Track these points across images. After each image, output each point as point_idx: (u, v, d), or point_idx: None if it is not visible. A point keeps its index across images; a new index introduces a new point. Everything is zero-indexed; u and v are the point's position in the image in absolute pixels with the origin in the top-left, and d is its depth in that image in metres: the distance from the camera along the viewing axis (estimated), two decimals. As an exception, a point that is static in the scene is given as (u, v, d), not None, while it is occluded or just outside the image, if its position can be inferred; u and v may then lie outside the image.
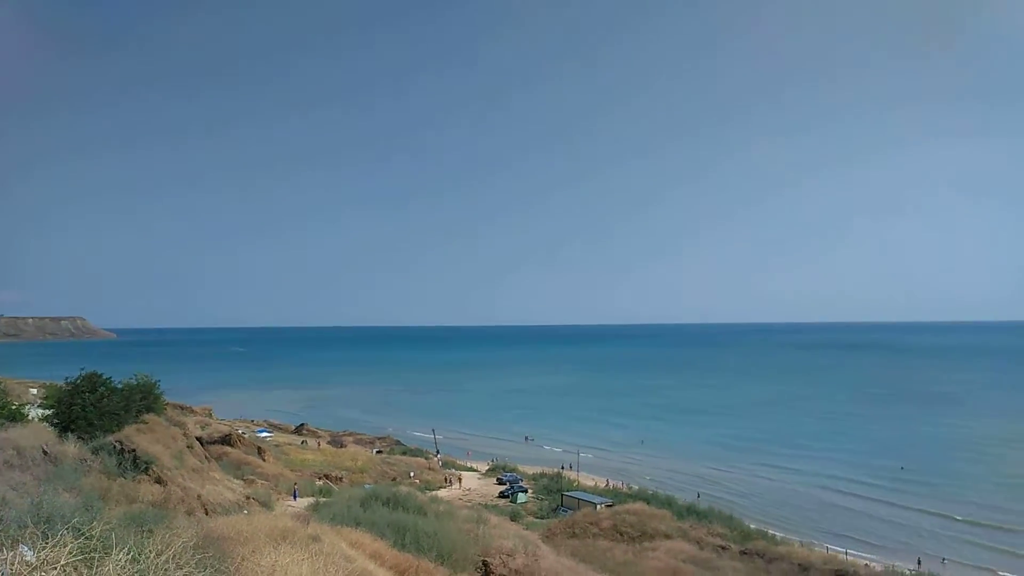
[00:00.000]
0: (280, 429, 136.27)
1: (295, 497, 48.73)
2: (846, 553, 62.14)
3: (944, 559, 67.55)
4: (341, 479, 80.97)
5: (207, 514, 28.14)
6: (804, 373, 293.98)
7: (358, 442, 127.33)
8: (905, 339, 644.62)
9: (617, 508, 61.47)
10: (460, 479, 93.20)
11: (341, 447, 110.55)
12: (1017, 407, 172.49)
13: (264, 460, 79.85)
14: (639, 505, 62.15)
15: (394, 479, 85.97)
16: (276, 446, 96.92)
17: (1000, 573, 64.79)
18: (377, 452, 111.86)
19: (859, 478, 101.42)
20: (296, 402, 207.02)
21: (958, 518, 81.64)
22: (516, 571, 28.59)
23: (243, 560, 12.13)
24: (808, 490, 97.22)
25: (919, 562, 65.90)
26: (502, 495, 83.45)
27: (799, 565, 45.91)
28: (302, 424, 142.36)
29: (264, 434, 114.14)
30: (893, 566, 57.43)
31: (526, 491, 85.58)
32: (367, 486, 51.54)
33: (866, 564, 52.13)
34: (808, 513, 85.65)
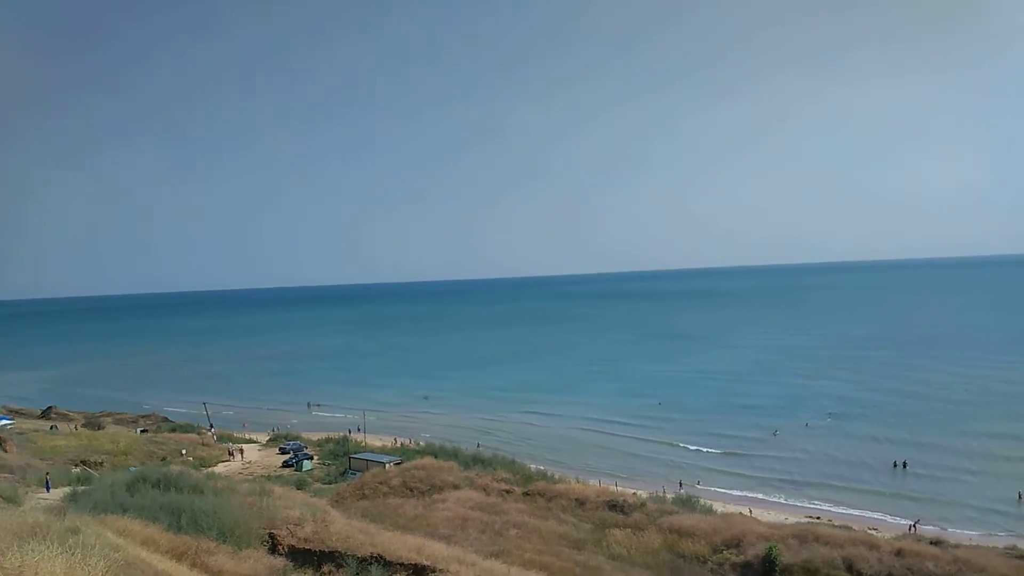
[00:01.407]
0: (23, 415, 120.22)
1: (48, 488, 43.36)
2: (616, 485, 67.82)
3: (698, 482, 76.56)
4: (101, 464, 73.52)
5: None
6: (565, 322, 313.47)
7: (118, 422, 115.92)
8: (661, 286, 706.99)
9: (406, 465, 61.80)
10: (242, 451, 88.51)
11: (99, 429, 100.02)
12: (750, 343, 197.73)
13: (6, 451, 70.36)
14: (427, 460, 62.94)
15: (164, 459, 79.54)
16: (20, 434, 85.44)
17: (735, 492, 74.92)
18: (141, 431, 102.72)
19: (622, 417, 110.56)
20: (40, 383, 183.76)
21: (705, 450, 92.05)
22: (305, 539, 27.67)
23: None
24: (578, 431, 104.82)
25: (680, 484, 74.59)
26: (286, 464, 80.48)
27: (576, 500, 49.29)
28: (50, 407, 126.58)
29: (3, 422, 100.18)
30: (656, 492, 63.73)
31: (311, 458, 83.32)
32: (132, 469, 47.12)
33: (634, 493, 57.08)
34: (580, 452, 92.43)
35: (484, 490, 53.38)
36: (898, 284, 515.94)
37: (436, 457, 68.27)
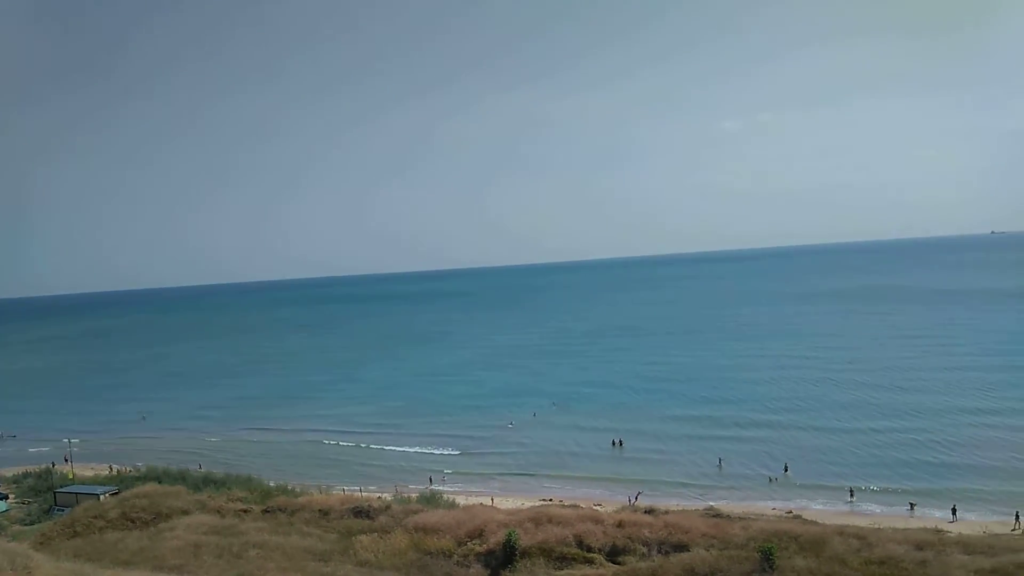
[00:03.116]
0: None
1: None
2: (360, 491, 67.12)
3: (443, 478, 78.50)
4: None
5: None
6: (288, 331, 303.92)
7: None
8: (396, 288, 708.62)
9: (125, 494, 55.77)
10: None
11: None
12: (484, 342, 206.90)
13: None
14: (150, 487, 57.25)
15: None
16: None
17: (477, 483, 77.91)
18: None
19: (362, 423, 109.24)
20: None
21: (447, 445, 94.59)
22: (1, 594, 23.88)
23: None
24: (314, 441, 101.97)
25: (431, 480, 76.92)
26: (-32, 510, 68.37)
27: (320, 511, 48.12)
28: None
29: None
30: (401, 494, 64.19)
31: (5, 497, 71.71)
32: None
33: (379, 497, 57.07)
34: (321, 463, 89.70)
35: (219, 512, 50.04)
36: (616, 281, 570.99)
37: (160, 482, 62.47)
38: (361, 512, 47.43)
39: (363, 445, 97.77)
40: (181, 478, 67.48)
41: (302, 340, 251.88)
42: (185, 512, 49.39)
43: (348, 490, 66.90)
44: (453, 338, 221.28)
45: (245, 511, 50.71)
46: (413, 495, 58.45)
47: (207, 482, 64.40)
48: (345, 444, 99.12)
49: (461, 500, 59.58)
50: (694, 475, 75.16)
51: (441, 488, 71.81)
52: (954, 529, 47.90)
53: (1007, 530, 50.57)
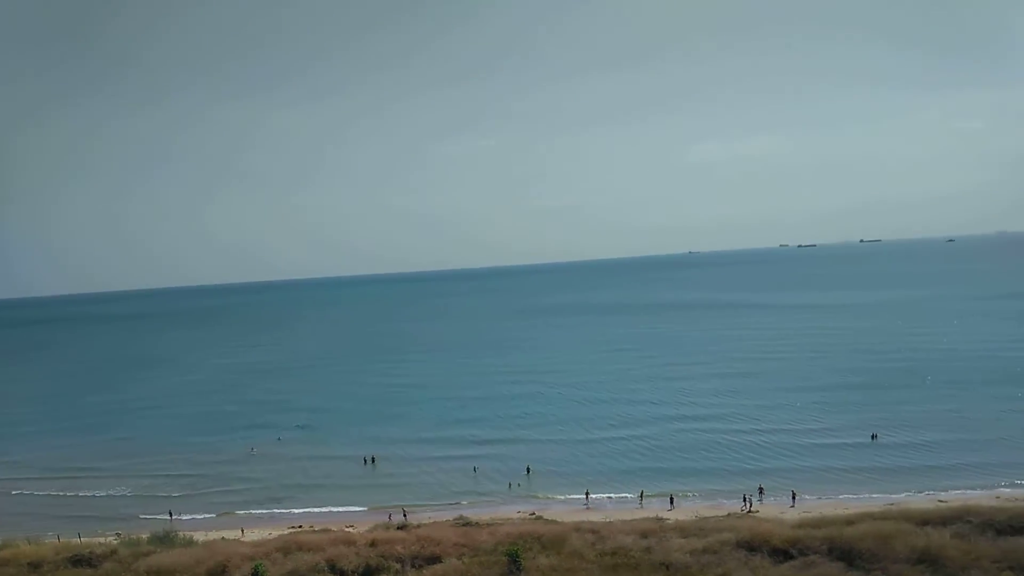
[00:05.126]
0: None
1: None
2: (80, 537, 59.49)
3: (181, 513, 71.97)
4: None
5: None
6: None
7: None
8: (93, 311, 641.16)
9: None
10: None
11: None
12: (210, 363, 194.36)
13: None
14: None
15: None
16: None
17: (219, 515, 73.31)
18: None
19: (64, 465, 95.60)
20: None
21: (182, 477, 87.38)
22: None
23: None
24: (23, 484, 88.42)
25: (170, 515, 71.08)
26: None
27: (29, 564, 41.82)
28: None
29: None
30: (130, 535, 57.74)
31: None
32: None
33: (102, 541, 51.03)
34: (31, 508, 77.93)
35: None
36: (342, 299, 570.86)
37: None
38: (81, 560, 41.99)
39: (62, 494, 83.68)
40: None
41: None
42: None
43: (64, 538, 58.85)
44: (177, 361, 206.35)
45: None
46: (144, 535, 52.62)
47: None
48: (43, 494, 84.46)
49: (201, 536, 55.04)
50: (445, 487, 76.61)
51: (181, 523, 66.02)
52: (672, 516, 54.07)
53: (715, 514, 57.88)
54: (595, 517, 55.48)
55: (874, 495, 63.46)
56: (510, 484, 75.02)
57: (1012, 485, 64.26)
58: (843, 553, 35.39)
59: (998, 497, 57.35)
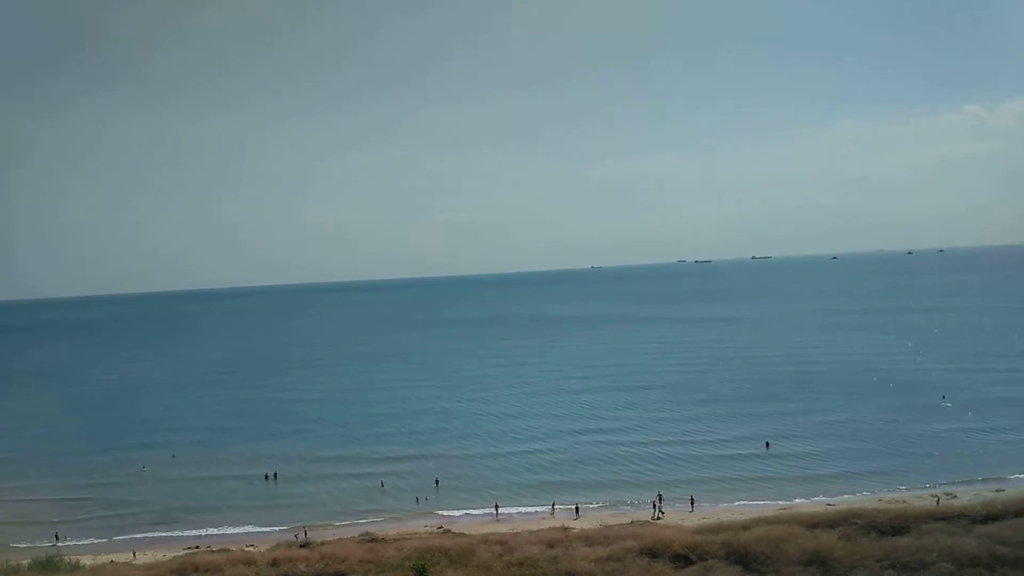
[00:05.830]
0: None
1: None
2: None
3: (66, 536, 67.30)
4: None
5: None
6: None
7: None
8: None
9: None
10: None
11: None
12: (108, 376, 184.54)
13: None
14: None
15: None
16: None
17: (111, 537, 68.75)
18: None
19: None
20: None
21: (72, 497, 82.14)
22: None
23: None
24: None
25: (57, 538, 66.39)
26: None
27: None
28: None
29: None
30: (8, 561, 53.77)
31: None
32: None
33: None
34: None
35: None
36: (246, 309, 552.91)
37: None
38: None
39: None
40: None
41: None
42: None
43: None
44: (63, 376, 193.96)
45: None
46: (24, 562, 48.99)
47: None
48: None
49: (89, 560, 51.89)
50: (351, 504, 74.95)
51: (67, 547, 62.05)
52: (577, 526, 54.96)
53: (619, 522, 59.24)
54: (503, 529, 55.76)
55: (768, 501, 66.54)
56: (417, 499, 74.43)
57: (894, 489, 68.88)
58: (740, 557, 37.12)
59: (880, 500, 61.44)
